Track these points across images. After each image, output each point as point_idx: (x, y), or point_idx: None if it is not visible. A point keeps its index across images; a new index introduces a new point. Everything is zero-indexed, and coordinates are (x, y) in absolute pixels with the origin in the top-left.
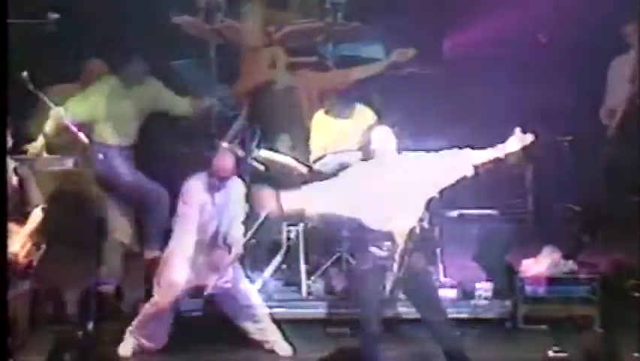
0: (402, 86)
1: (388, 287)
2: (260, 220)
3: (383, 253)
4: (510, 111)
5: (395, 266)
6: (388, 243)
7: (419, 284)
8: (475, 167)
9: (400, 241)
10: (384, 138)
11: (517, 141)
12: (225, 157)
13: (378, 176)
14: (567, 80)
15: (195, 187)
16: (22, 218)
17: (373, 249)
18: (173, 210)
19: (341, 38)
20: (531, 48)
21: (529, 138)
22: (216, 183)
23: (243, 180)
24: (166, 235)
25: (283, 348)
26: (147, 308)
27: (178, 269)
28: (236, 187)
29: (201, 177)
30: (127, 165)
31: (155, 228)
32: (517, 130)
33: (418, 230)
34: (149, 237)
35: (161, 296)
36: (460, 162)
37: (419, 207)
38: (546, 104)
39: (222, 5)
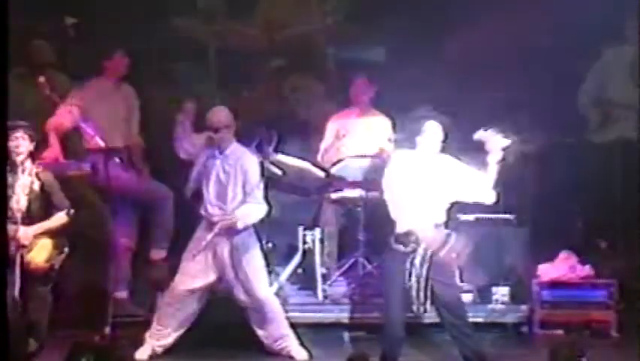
0: (402, 86)
1: (413, 285)
2: None
3: (407, 250)
4: (510, 111)
5: (419, 260)
6: (413, 238)
7: (441, 285)
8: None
9: (423, 237)
10: (434, 132)
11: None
12: (220, 109)
13: (415, 169)
14: (567, 80)
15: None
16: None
17: (396, 245)
18: (177, 211)
19: (341, 39)
20: (531, 48)
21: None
22: (215, 143)
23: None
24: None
25: (299, 353)
26: (163, 298)
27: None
28: (245, 157)
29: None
30: (129, 167)
31: (161, 229)
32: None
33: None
34: (156, 238)
35: (177, 283)
36: (485, 188)
37: (443, 208)
38: (546, 104)
39: (222, 7)
